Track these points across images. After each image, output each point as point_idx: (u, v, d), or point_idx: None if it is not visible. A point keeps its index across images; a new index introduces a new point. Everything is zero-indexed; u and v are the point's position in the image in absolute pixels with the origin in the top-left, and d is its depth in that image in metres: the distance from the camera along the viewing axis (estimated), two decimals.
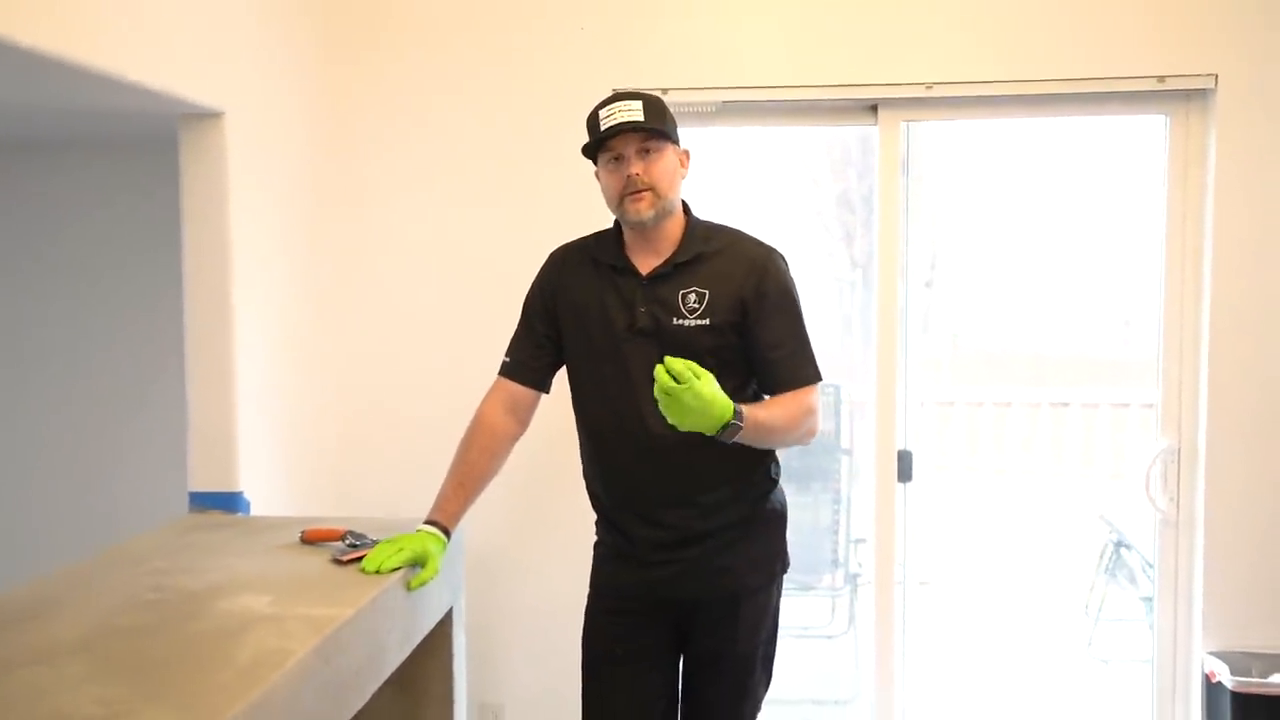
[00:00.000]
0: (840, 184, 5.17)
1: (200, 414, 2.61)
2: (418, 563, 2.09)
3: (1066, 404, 5.88)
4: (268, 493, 2.73)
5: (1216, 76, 2.92)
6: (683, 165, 2.22)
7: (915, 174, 3.19)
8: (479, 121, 3.16)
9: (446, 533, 2.18)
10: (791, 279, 2.23)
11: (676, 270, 2.18)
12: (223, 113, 2.55)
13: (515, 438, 2.32)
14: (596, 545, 2.37)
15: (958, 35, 3.01)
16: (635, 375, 2.14)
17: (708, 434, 1.99)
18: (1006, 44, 3.00)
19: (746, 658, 2.25)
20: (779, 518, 2.30)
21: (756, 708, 2.31)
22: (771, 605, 2.29)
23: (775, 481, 2.29)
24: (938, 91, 3.02)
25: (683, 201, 2.26)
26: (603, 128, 2.14)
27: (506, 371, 2.33)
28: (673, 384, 1.92)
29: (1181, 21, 2.94)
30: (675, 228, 2.21)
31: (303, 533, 2.27)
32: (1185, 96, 3.01)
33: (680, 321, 2.15)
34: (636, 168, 2.13)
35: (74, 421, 3.58)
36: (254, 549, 2.23)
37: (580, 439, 2.32)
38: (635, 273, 2.20)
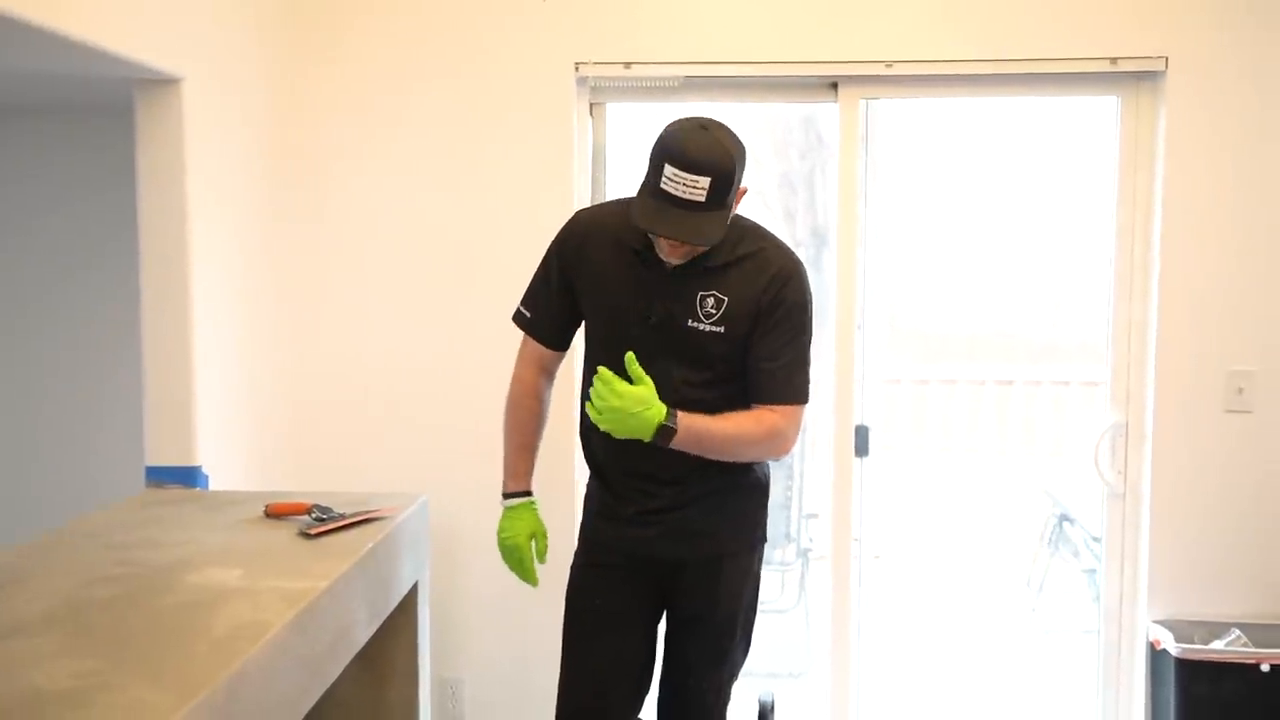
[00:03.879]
0: (783, 164, 5.19)
1: (157, 387, 2.56)
2: (534, 536, 2.32)
3: (1010, 382, 5.99)
4: (226, 467, 2.69)
5: (1167, 59, 2.99)
6: (735, 204, 2.08)
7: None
8: (439, 91, 3.12)
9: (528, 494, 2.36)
10: (809, 295, 2.20)
11: (701, 271, 2.13)
12: (181, 79, 2.49)
13: (549, 391, 2.40)
14: (586, 500, 2.40)
15: (918, 13, 3.04)
16: (643, 361, 2.12)
17: (643, 437, 2.04)
18: (966, 23, 3.03)
19: (727, 621, 2.28)
20: (761, 488, 2.32)
21: (734, 673, 2.34)
22: (753, 572, 2.32)
23: None
24: (898, 69, 3.05)
25: None
26: (661, 185, 1.95)
27: (533, 331, 2.33)
28: (604, 386, 2.04)
29: (1134, 3, 3.00)
30: None
31: (267, 506, 2.23)
32: (1136, 78, 3.07)
33: (695, 324, 2.13)
34: (682, 247, 2.06)
35: (23, 394, 3.48)
36: (217, 523, 2.19)
37: (584, 400, 2.31)
38: (659, 264, 2.14)
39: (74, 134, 3.38)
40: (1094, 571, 4.15)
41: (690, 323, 2.13)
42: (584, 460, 2.39)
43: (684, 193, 1.94)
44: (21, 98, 3.11)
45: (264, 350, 2.97)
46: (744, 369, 2.17)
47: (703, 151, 1.95)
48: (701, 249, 2.07)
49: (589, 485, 2.38)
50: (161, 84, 2.48)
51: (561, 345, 2.35)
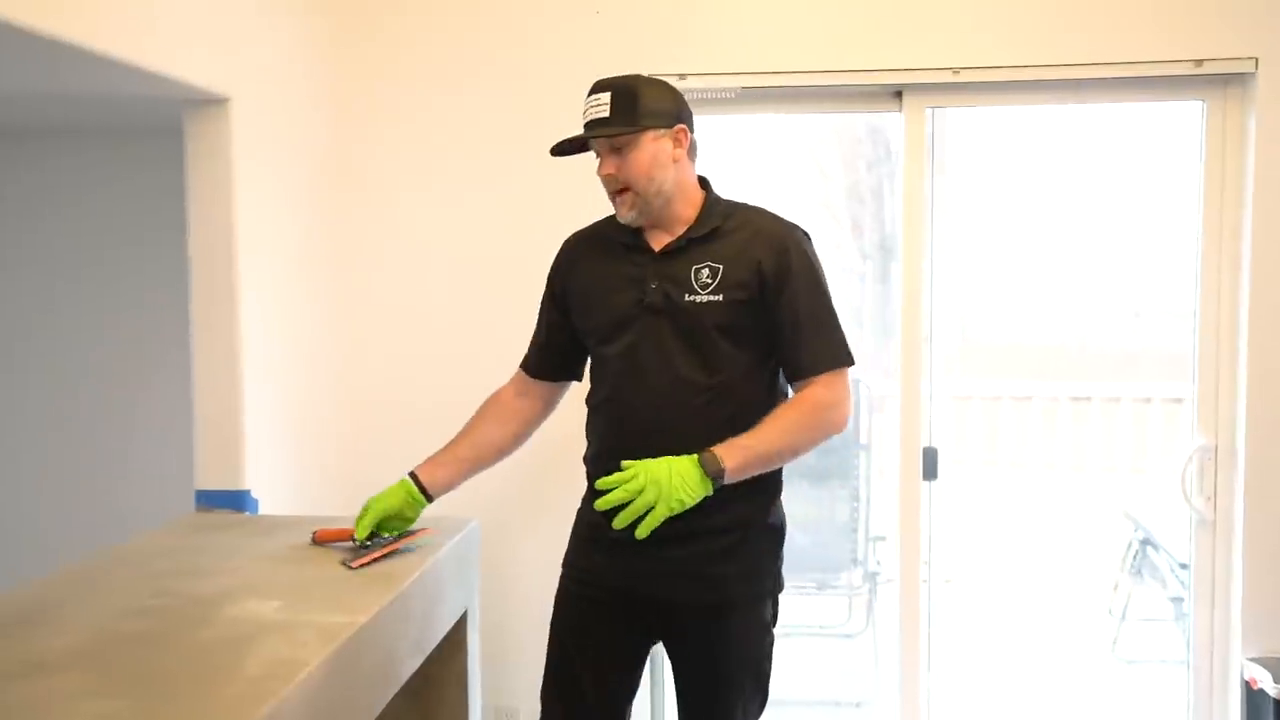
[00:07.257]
0: (850, 176, 5.07)
1: (206, 409, 2.53)
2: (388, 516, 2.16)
3: (1087, 398, 5.76)
4: (276, 490, 2.65)
5: (1257, 60, 2.82)
6: (678, 144, 2.08)
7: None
8: (490, 108, 3.07)
9: (418, 483, 2.21)
10: (815, 255, 2.12)
11: (690, 245, 2.08)
12: (229, 99, 2.47)
13: (531, 416, 2.31)
14: (576, 523, 2.25)
15: (986, 18, 2.91)
16: (643, 356, 2.07)
17: (701, 492, 1.93)
18: (1036, 27, 2.90)
19: (732, 676, 2.11)
20: (775, 533, 2.15)
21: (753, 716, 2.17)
22: (764, 624, 2.14)
23: (775, 495, 2.15)
24: (965, 77, 2.93)
25: (703, 179, 2.17)
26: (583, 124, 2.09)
27: (522, 361, 2.35)
28: (621, 488, 1.93)
29: (1219, 2, 2.83)
30: (688, 206, 2.11)
31: (314, 533, 2.18)
32: (1223, 81, 2.90)
33: (692, 298, 2.05)
34: (609, 167, 2.07)
35: (76, 417, 3.50)
36: (262, 551, 2.15)
37: (588, 413, 2.22)
38: (647, 249, 2.12)
39: (123, 155, 3.39)
40: (1180, 600, 3.95)
41: (688, 297, 2.05)
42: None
43: (592, 114, 2.06)
44: (71, 120, 3.13)
45: (315, 371, 2.94)
46: (750, 341, 2.06)
47: (607, 79, 2.09)
48: (680, 231, 2.10)
49: (583, 504, 2.23)
50: (209, 104, 2.46)
51: (545, 373, 2.31)
